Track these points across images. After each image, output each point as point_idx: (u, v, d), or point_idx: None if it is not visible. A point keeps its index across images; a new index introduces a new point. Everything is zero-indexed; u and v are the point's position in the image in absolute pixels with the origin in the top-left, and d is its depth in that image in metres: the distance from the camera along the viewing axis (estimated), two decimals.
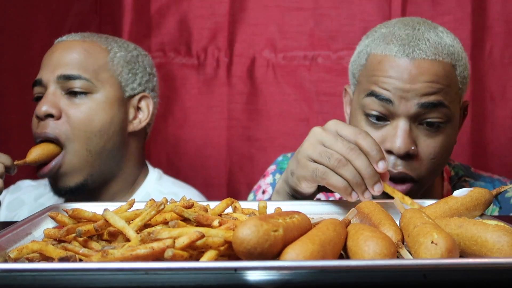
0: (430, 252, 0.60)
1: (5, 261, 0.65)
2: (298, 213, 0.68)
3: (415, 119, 1.13)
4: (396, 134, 1.11)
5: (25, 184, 1.53)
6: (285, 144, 1.82)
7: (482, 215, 0.82)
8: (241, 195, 1.81)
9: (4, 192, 1.45)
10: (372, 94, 1.14)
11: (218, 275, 0.57)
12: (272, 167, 1.44)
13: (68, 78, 1.30)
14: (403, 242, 0.68)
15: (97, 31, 1.81)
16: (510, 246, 0.61)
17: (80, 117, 1.28)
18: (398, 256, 0.65)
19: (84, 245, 0.68)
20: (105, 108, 1.31)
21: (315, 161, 0.91)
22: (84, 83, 1.30)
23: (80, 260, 0.63)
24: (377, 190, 0.88)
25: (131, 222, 0.70)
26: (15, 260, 0.64)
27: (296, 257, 0.59)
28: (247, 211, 0.82)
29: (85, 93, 1.30)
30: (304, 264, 0.58)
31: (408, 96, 1.11)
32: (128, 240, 0.66)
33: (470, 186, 1.27)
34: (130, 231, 0.66)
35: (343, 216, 0.79)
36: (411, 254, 0.64)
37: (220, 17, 1.83)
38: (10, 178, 1.51)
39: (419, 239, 0.62)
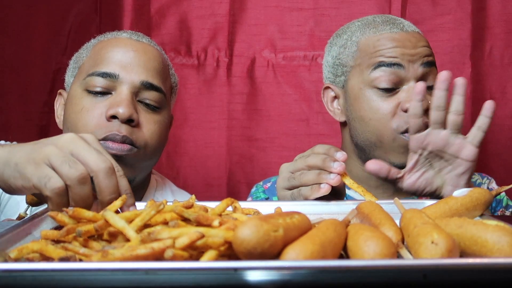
0: (430, 252, 0.60)
1: (5, 261, 0.65)
2: (298, 213, 0.68)
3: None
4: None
5: None
6: (285, 144, 1.82)
7: (482, 215, 0.82)
8: (241, 195, 1.81)
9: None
10: (380, 65, 1.23)
11: (218, 275, 0.57)
12: (248, 199, 1.46)
13: (152, 87, 1.21)
14: (403, 242, 0.68)
15: (97, 31, 1.81)
16: (510, 246, 0.61)
17: (156, 131, 1.22)
18: (398, 256, 0.65)
19: (84, 245, 0.68)
20: (167, 126, 1.28)
21: (289, 189, 1.00)
22: (161, 98, 1.23)
23: (80, 260, 0.63)
24: (336, 165, 0.94)
25: (131, 222, 0.70)
26: (15, 260, 0.64)
27: (296, 257, 0.59)
28: (247, 211, 0.82)
29: (158, 108, 1.23)
30: (304, 264, 0.58)
31: (414, 59, 1.23)
32: (128, 240, 0.66)
33: None
34: (130, 231, 0.66)
35: (343, 216, 0.79)
36: (411, 254, 0.64)
37: (220, 17, 1.84)
38: None
39: (419, 239, 0.62)
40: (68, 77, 1.33)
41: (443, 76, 1.03)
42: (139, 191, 1.32)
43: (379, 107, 1.23)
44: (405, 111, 1.19)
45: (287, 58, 1.83)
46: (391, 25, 1.27)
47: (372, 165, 1.05)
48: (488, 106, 1.04)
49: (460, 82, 1.03)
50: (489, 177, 1.44)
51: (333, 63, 1.34)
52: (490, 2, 1.76)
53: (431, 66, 1.24)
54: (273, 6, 1.83)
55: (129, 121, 1.17)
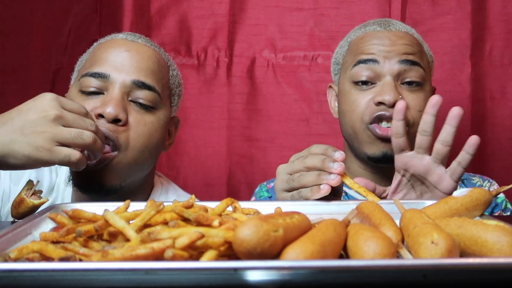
0: (430, 252, 0.60)
1: (5, 261, 0.65)
2: (298, 213, 0.68)
3: (398, 78, 1.26)
4: (385, 87, 1.24)
5: None
6: (285, 144, 1.82)
7: (482, 215, 0.82)
8: (241, 195, 1.81)
9: None
10: (359, 62, 1.29)
11: (218, 275, 0.57)
12: (252, 199, 1.46)
13: (144, 86, 1.20)
14: (403, 242, 0.68)
15: (97, 31, 1.81)
16: (510, 246, 0.61)
17: (144, 132, 1.19)
18: (398, 256, 0.65)
19: (84, 245, 0.68)
20: (162, 127, 1.25)
21: (288, 191, 0.98)
22: (155, 97, 1.21)
23: (80, 260, 0.63)
24: (336, 166, 0.92)
25: (131, 222, 0.70)
26: (15, 260, 0.64)
27: (296, 257, 0.59)
28: (247, 211, 0.82)
29: (151, 107, 1.21)
30: (304, 264, 0.58)
31: (390, 56, 1.26)
32: (128, 240, 0.66)
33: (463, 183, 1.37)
34: (130, 231, 0.66)
35: (343, 216, 0.79)
36: (411, 254, 0.64)
37: (220, 17, 1.84)
38: None
39: (419, 239, 0.62)
40: (72, 81, 1.33)
41: (433, 100, 0.98)
42: (137, 194, 1.29)
43: (354, 99, 1.28)
44: (377, 104, 1.24)
45: (287, 58, 1.83)
46: (377, 25, 1.33)
47: (358, 181, 1.00)
48: (471, 143, 0.98)
49: (455, 113, 0.97)
50: (490, 180, 1.44)
51: (333, 63, 1.42)
52: (490, 2, 1.76)
53: (410, 65, 1.26)
54: (273, 6, 1.83)
55: (116, 121, 1.16)
